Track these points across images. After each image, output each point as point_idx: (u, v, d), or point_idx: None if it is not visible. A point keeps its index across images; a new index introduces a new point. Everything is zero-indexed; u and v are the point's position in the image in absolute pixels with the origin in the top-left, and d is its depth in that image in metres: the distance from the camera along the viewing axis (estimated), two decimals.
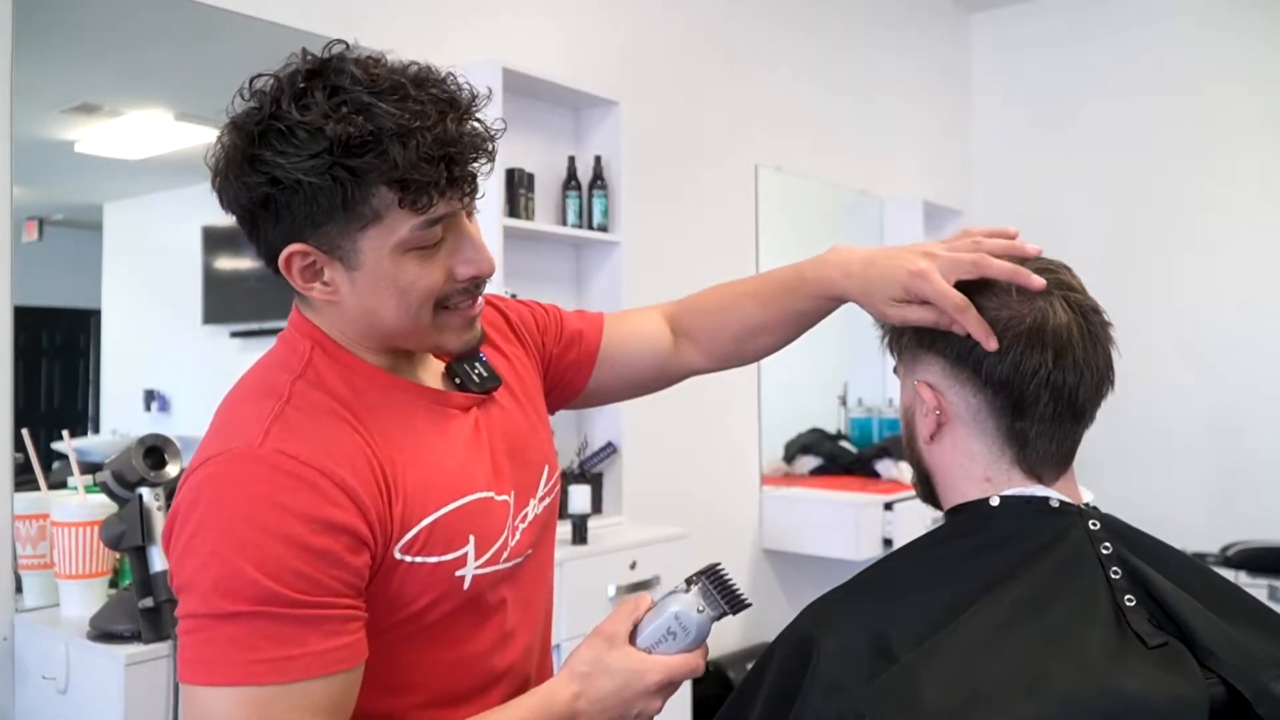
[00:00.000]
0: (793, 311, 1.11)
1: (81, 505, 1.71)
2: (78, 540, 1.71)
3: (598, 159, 2.79)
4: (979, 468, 0.90)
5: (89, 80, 2.04)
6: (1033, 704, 0.73)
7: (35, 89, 1.87)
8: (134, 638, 1.60)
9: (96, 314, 2.12)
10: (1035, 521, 0.87)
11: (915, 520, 3.24)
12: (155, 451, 1.63)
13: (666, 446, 3.15)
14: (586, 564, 2.41)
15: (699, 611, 0.88)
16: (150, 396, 2.20)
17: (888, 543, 3.28)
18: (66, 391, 2.09)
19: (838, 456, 3.75)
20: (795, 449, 3.79)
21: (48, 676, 1.67)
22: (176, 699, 1.46)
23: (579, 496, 2.50)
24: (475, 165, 0.85)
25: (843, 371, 4.11)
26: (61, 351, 2.06)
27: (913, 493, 1.04)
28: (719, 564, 0.91)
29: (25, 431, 1.79)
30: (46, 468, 1.81)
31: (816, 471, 3.74)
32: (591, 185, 2.78)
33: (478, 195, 0.88)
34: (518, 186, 2.59)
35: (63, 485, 1.85)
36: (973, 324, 0.86)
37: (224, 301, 2.28)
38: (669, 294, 1.31)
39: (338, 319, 0.90)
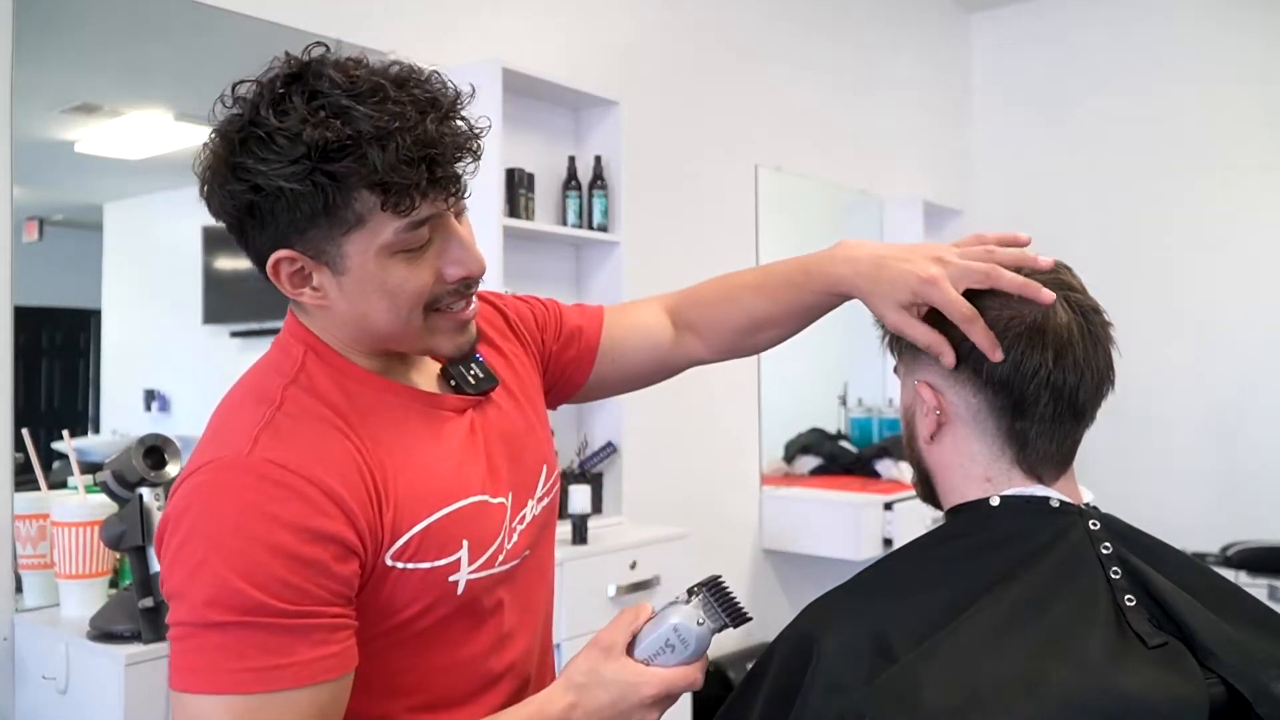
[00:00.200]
0: (799, 305, 1.10)
1: (81, 505, 1.71)
2: (78, 540, 1.71)
3: (598, 159, 2.79)
4: (979, 468, 0.90)
5: (89, 80, 2.05)
6: (1033, 704, 0.73)
7: (35, 89, 1.86)
8: (134, 638, 1.60)
9: (96, 314, 2.13)
10: (1035, 521, 0.87)
11: (915, 520, 3.24)
12: (155, 451, 1.63)
13: (666, 446, 3.15)
14: (586, 564, 2.41)
15: (699, 624, 0.87)
16: (150, 396, 2.20)
17: (888, 543, 3.28)
18: (66, 391, 2.09)
19: (838, 456, 3.75)
20: (795, 449, 3.79)
21: (48, 676, 1.67)
22: None
23: (579, 496, 2.50)
24: (459, 166, 0.84)
25: (843, 371, 4.12)
26: (61, 351, 2.06)
27: (913, 493, 1.04)
28: (719, 576, 0.90)
29: (25, 431, 1.79)
30: (46, 468, 1.82)
31: (816, 471, 3.74)
32: (591, 185, 2.78)
33: (464, 195, 0.87)
34: (518, 186, 2.59)
35: (63, 485, 1.85)
36: (979, 335, 0.86)
37: (224, 301, 2.28)
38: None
39: (330, 323, 0.90)
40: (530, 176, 2.63)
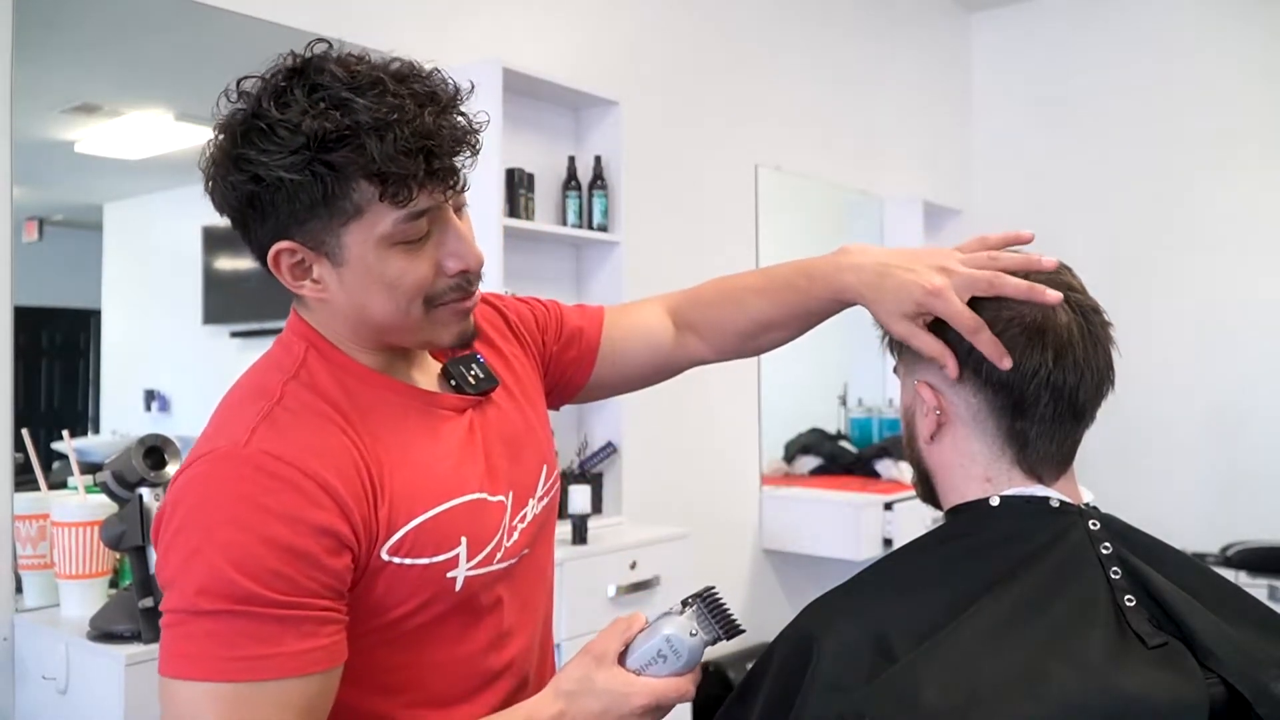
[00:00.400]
0: (801, 309, 1.10)
1: (81, 505, 1.71)
2: (78, 540, 1.71)
3: (598, 159, 2.79)
4: (979, 468, 0.90)
5: (89, 80, 2.05)
6: (1033, 704, 0.73)
7: (35, 89, 1.87)
8: (134, 638, 1.60)
9: (96, 314, 2.13)
10: (1035, 521, 0.87)
11: (915, 520, 3.24)
12: (155, 451, 1.63)
13: (666, 446, 3.15)
14: (586, 564, 2.41)
15: (691, 635, 0.87)
16: (150, 396, 2.20)
17: (888, 543, 3.28)
18: (66, 391, 2.09)
19: (838, 456, 3.75)
20: (795, 449, 3.79)
21: (48, 676, 1.67)
22: None
23: (579, 496, 2.50)
24: (457, 159, 0.85)
25: (843, 371, 4.12)
26: (61, 351, 2.06)
27: (913, 493, 1.04)
28: (714, 587, 0.90)
29: (25, 431, 1.79)
30: (46, 468, 1.82)
31: (816, 471, 3.74)
32: (591, 185, 2.78)
33: (463, 189, 0.87)
34: (518, 186, 2.59)
35: (63, 485, 1.85)
36: (986, 345, 0.86)
37: (224, 301, 2.28)
38: None
39: (330, 317, 0.90)
40: (530, 176, 2.63)
